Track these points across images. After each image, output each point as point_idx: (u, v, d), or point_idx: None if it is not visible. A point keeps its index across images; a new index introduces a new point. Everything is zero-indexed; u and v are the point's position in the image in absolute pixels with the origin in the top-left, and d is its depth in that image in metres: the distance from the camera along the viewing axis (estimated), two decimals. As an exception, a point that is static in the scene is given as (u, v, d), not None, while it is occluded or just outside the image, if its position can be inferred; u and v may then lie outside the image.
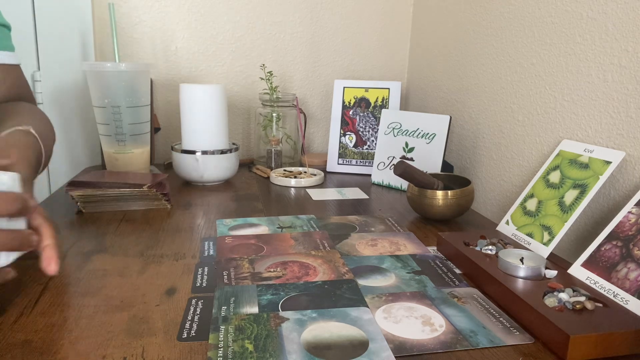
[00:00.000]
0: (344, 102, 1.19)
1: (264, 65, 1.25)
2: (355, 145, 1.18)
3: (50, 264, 0.48)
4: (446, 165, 1.01)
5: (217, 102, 1.01)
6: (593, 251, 0.58)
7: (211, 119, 1.01)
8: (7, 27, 0.78)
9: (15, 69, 0.81)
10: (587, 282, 0.55)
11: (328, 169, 1.19)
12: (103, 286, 0.57)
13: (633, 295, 0.50)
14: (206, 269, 0.62)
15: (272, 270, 0.62)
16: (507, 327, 0.50)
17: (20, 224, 0.48)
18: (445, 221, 0.83)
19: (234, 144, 1.08)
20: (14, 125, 0.63)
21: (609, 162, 0.64)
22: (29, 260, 0.63)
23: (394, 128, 1.06)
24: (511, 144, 0.88)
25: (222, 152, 1.02)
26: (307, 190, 1.02)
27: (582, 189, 0.65)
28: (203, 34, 1.23)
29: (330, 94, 1.29)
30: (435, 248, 0.71)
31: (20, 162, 0.55)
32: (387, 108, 1.16)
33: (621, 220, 0.57)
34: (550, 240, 0.65)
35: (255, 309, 0.52)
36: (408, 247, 0.71)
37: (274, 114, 1.19)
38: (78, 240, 0.71)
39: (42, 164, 0.66)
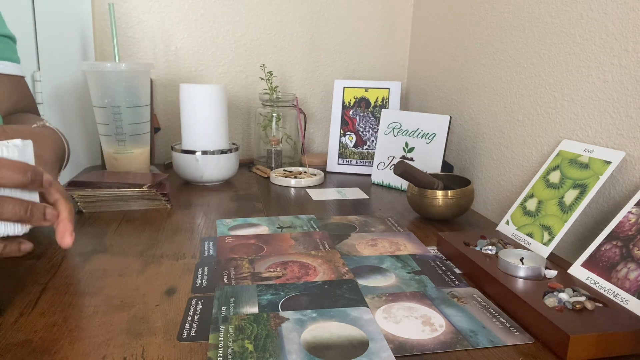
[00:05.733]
0: (344, 102, 1.19)
1: (264, 65, 1.25)
2: (355, 145, 1.18)
3: (64, 236, 0.47)
4: (446, 165, 1.01)
5: (217, 102, 1.01)
6: (593, 251, 0.58)
7: (211, 119, 1.01)
8: (12, 39, 0.78)
9: (22, 80, 0.81)
10: (587, 282, 0.55)
11: (328, 169, 1.19)
12: (103, 286, 0.57)
13: (633, 295, 0.50)
14: (206, 269, 0.62)
15: (272, 270, 0.62)
16: (507, 327, 0.50)
17: (33, 197, 0.46)
18: (445, 221, 0.83)
19: (234, 144, 1.08)
20: (31, 124, 0.64)
21: (609, 162, 0.64)
22: (29, 260, 0.63)
23: (394, 128, 1.06)
24: (511, 144, 0.88)
25: (222, 152, 1.02)
26: (307, 190, 1.02)
27: (582, 189, 0.65)
28: (203, 34, 1.23)
29: (330, 94, 1.29)
30: (435, 248, 0.71)
31: (43, 149, 0.54)
32: (387, 108, 1.16)
33: (621, 220, 0.57)
34: (550, 240, 0.65)
35: (255, 309, 0.52)
36: (408, 247, 0.71)
37: (274, 114, 1.19)
38: (78, 240, 0.71)
39: (65, 158, 0.65)
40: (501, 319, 0.51)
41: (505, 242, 0.67)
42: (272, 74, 1.20)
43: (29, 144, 0.46)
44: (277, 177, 1.06)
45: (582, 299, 0.50)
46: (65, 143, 0.65)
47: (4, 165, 0.42)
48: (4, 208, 0.42)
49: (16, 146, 0.44)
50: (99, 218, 0.81)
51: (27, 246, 0.47)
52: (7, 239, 0.45)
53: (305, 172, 1.12)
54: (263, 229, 0.77)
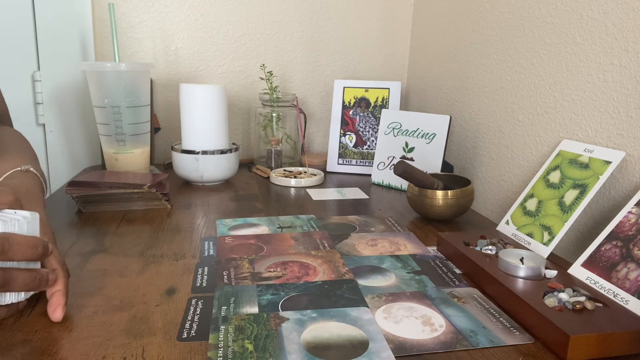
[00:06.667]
0: (344, 102, 1.19)
1: (264, 65, 1.25)
2: (355, 145, 1.18)
3: (56, 310, 0.49)
4: (446, 165, 1.01)
5: (217, 102, 1.01)
6: (593, 251, 0.58)
7: (211, 119, 1.01)
8: None
9: None
10: (587, 282, 0.55)
11: (328, 169, 1.19)
12: (103, 286, 0.57)
13: (633, 295, 0.50)
14: (206, 269, 0.62)
15: (272, 270, 0.62)
16: (507, 327, 0.50)
17: (36, 263, 0.49)
18: (445, 221, 0.83)
19: (234, 144, 1.08)
20: (12, 164, 0.63)
21: (609, 162, 0.64)
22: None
23: (394, 128, 1.06)
24: (511, 144, 0.88)
25: (222, 152, 1.02)
26: (307, 190, 1.02)
27: (582, 189, 0.65)
28: (203, 34, 1.23)
29: (330, 94, 1.29)
30: (435, 248, 0.71)
31: (37, 207, 0.55)
32: (387, 108, 1.16)
33: (621, 220, 0.57)
34: (550, 240, 0.65)
35: (255, 309, 0.52)
36: (408, 247, 0.71)
37: (274, 114, 1.19)
38: (78, 240, 0.71)
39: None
40: (501, 319, 0.51)
41: (505, 242, 0.67)
42: (272, 74, 1.20)
43: (37, 216, 0.49)
44: (277, 177, 1.06)
45: (582, 299, 0.50)
46: (42, 183, 0.65)
47: (18, 242, 0.45)
48: (17, 281, 0.45)
49: (25, 218, 0.47)
50: (99, 218, 0.81)
51: (23, 304, 0.49)
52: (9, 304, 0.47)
53: (305, 172, 1.12)
54: (263, 229, 0.77)
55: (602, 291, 0.53)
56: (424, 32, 1.25)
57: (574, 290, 0.52)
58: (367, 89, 1.17)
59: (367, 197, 0.98)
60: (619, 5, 0.65)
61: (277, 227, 0.78)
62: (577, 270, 0.58)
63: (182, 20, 1.21)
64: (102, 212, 0.84)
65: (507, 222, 0.74)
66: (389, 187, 1.05)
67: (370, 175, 1.11)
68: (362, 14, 1.30)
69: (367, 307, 0.53)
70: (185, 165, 1.01)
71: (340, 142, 1.19)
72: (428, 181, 0.82)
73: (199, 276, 0.60)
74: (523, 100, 0.85)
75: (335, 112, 1.19)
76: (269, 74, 1.19)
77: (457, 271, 0.63)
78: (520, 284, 0.54)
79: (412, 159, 1.02)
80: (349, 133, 1.19)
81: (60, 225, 0.77)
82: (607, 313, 0.48)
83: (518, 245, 0.67)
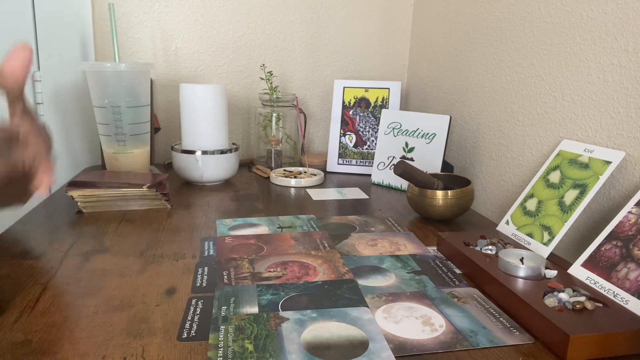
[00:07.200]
0: (344, 102, 1.19)
1: (264, 65, 1.25)
2: (355, 145, 1.18)
3: (43, 182, 0.48)
4: (446, 165, 1.01)
5: (217, 102, 1.01)
6: (593, 251, 0.58)
7: (211, 119, 1.01)
8: None
9: None
10: (587, 282, 0.55)
11: (328, 169, 1.19)
12: (103, 286, 0.57)
13: (633, 295, 0.50)
14: (206, 269, 0.62)
15: (272, 270, 0.62)
16: (507, 327, 0.50)
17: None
18: (445, 221, 0.83)
19: (234, 144, 1.08)
20: None
21: (609, 162, 0.64)
22: (29, 260, 0.64)
23: (394, 128, 1.06)
24: (511, 144, 0.88)
25: (222, 152, 1.02)
26: (307, 190, 1.02)
27: (582, 189, 0.65)
28: (203, 34, 1.23)
29: (330, 94, 1.29)
30: (435, 248, 0.71)
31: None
32: (387, 108, 1.16)
33: (621, 220, 0.57)
34: (550, 240, 0.65)
35: (255, 309, 0.52)
36: (408, 247, 0.71)
37: (274, 114, 1.19)
38: (78, 240, 0.71)
39: None
40: (501, 319, 0.51)
41: (505, 242, 0.67)
42: (272, 74, 1.20)
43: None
44: (277, 177, 1.06)
45: (582, 299, 0.50)
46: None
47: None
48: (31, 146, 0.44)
49: None
50: (99, 218, 0.81)
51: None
52: None
53: (305, 172, 1.12)
54: (263, 229, 0.77)
55: (602, 291, 0.53)
56: (424, 32, 1.25)
57: (574, 290, 0.52)
58: (367, 89, 1.17)
59: (367, 197, 0.98)
60: (619, 5, 0.65)
61: (277, 227, 0.78)
62: (577, 270, 0.58)
63: (182, 20, 1.21)
64: (102, 212, 0.84)
65: (507, 222, 0.74)
66: (389, 187, 1.05)
67: (370, 175, 1.11)
68: (362, 14, 1.30)
69: (367, 307, 0.53)
70: (185, 165, 1.01)
71: (340, 142, 1.19)
72: (428, 181, 0.82)
73: (199, 276, 0.60)
74: (523, 100, 0.85)
75: (335, 112, 1.19)
76: (269, 74, 1.19)
77: (457, 271, 0.63)
78: (520, 284, 0.54)
79: (412, 159, 1.02)
80: (349, 133, 1.19)
81: (60, 225, 0.77)
82: (607, 313, 0.48)
83: (518, 245, 0.67)
